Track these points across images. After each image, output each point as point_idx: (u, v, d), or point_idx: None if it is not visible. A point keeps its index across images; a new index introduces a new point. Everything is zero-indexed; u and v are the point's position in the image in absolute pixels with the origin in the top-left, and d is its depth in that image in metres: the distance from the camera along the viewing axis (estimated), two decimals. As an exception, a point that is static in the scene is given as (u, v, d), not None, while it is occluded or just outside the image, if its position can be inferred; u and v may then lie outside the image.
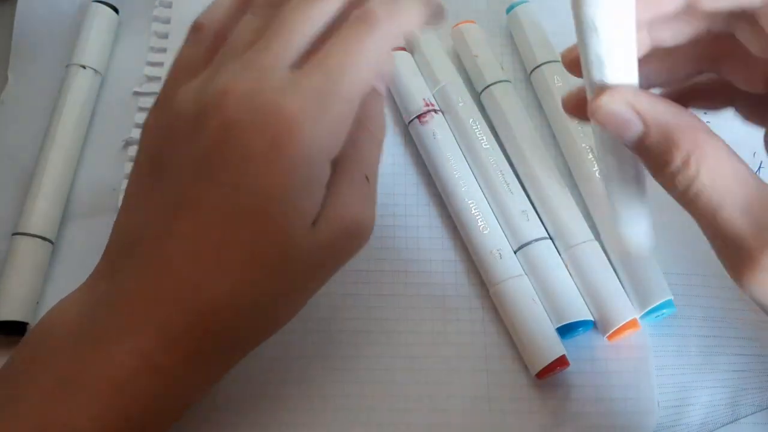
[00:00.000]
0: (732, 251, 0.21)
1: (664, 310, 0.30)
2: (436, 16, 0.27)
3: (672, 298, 0.30)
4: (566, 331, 0.30)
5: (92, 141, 0.36)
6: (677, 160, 0.21)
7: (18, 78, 0.38)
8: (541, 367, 0.29)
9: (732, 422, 0.29)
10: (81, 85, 0.36)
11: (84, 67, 0.36)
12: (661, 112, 0.21)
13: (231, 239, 0.24)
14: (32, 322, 0.32)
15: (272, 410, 0.30)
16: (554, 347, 0.29)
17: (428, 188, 0.35)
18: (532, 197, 0.33)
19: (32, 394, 0.23)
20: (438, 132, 0.34)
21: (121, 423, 0.23)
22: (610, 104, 0.21)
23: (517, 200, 0.32)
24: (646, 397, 0.30)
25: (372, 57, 0.25)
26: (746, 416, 0.29)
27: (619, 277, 0.31)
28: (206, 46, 0.27)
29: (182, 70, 0.27)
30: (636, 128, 0.21)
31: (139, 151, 0.27)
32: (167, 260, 0.24)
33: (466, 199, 0.33)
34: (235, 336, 0.25)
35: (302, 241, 0.24)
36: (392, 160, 0.35)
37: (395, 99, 0.36)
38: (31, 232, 0.33)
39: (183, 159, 0.25)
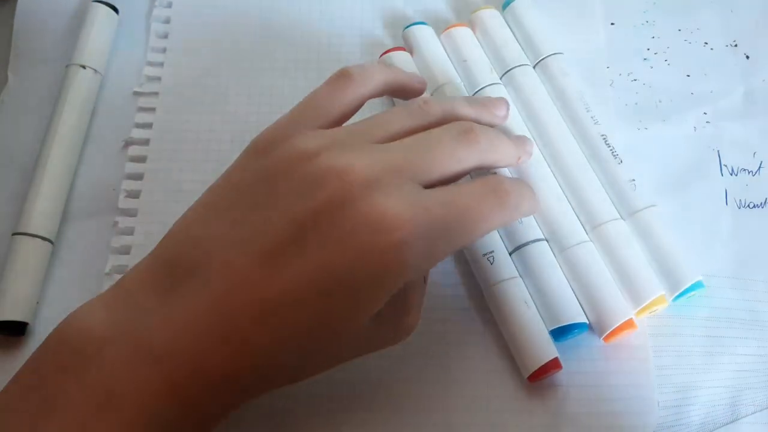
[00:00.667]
0: None
1: (695, 292, 0.30)
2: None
3: (702, 278, 0.30)
4: (560, 334, 0.30)
5: (92, 141, 0.36)
6: None
7: (18, 78, 0.38)
8: (532, 370, 0.29)
9: (732, 422, 0.29)
10: (81, 84, 0.36)
11: (84, 67, 0.36)
12: None
13: (302, 300, 0.23)
14: (32, 322, 0.32)
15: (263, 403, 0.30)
16: (546, 350, 0.29)
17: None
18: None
19: (67, 407, 0.22)
20: None
21: None
22: None
23: None
24: (647, 397, 0.30)
25: (492, 225, 0.27)
26: (746, 416, 0.29)
27: (622, 273, 0.31)
28: (353, 98, 0.28)
29: (311, 110, 0.28)
30: None
31: (237, 165, 0.26)
32: (236, 292, 0.23)
33: None
34: (263, 382, 0.25)
35: (358, 329, 0.25)
36: None
37: (393, 98, 0.36)
38: (31, 232, 0.33)
39: (289, 203, 0.24)
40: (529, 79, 0.35)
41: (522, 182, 0.30)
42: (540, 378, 0.29)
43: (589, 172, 0.33)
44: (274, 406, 0.30)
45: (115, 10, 0.38)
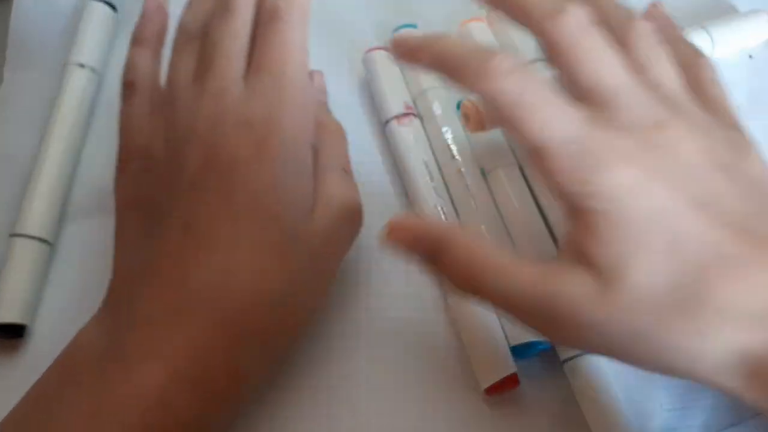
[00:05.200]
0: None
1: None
2: None
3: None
4: (522, 351, 0.29)
5: (91, 141, 0.36)
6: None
7: (15, 77, 0.37)
8: (490, 384, 0.29)
9: (735, 425, 0.29)
10: (79, 84, 0.36)
11: (82, 65, 0.36)
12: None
13: (238, 238, 0.25)
14: (31, 325, 0.32)
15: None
16: (505, 365, 0.29)
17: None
18: (501, 212, 0.32)
19: (65, 415, 0.23)
20: (413, 136, 0.34)
21: None
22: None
23: (480, 215, 0.32)
24: (650, 399, 0.29)
25: (297, 41, 0.29)
26: (750, 419, 0.29)
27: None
28: (146, 99, 0.30)
29: (135, 132, 0.29)
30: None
31: (121, 205, 0.29)
32: (182, 275, 0.25)
33: (434, 206, 0.32)
34: (262, 334, 0.26)
35: (303, 228, 0.27)
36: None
37: (375, 99, 0.36)
38: (29, 234, 0.32)
39: (175, 192, 0.26)
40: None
41: None
42: (497, 392, 0.29)
43: None
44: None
45: (114, 8, 0.38)
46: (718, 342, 0.21)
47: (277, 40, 0.28)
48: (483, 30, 0.37)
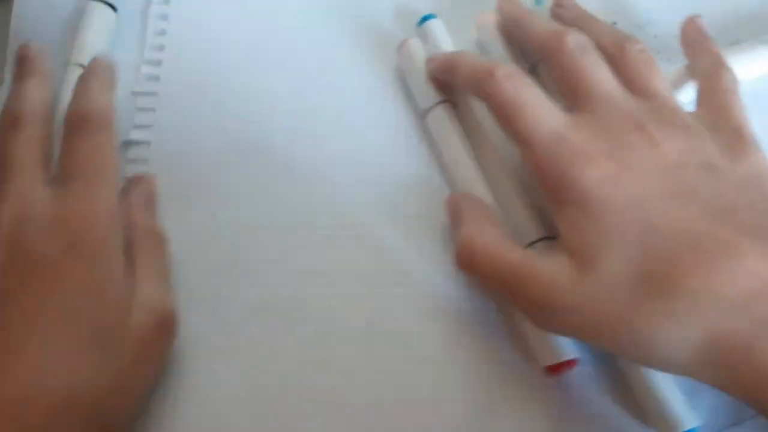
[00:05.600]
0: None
1: None
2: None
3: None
4: None
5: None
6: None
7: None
8: (553, 363, 0.29)
9: (735, 424, 0.29)
10: None
11: (82, 66, 0.36)
12: None
13: (50, 338, 0.25)
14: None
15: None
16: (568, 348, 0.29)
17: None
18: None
19: None
20: (451, 124, 0.34)
21: None
22: None
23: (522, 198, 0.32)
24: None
25: (105, 145, 0.30)
26: (750, 418, 0.29)
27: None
28: None
29: None
30: None
31: None
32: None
33: (478, 192, 0.32)
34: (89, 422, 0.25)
35: (119, 332, 0.27)
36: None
37: (412, 88, 0.36)
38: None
39: None
40: None
41: None
42: (557, 372, 0.29)
43: None
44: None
45: (114, 8, 0.38)
46: (687, 325, 0.22)
47: (84, 145, 0.29)
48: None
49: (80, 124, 0.30)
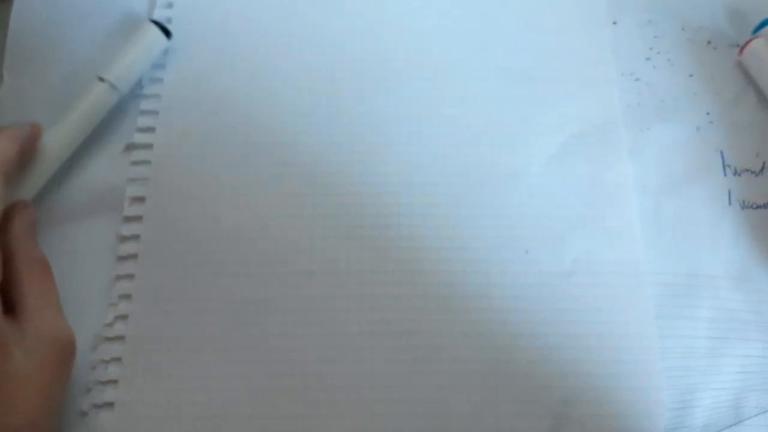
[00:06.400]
0: None
1: None
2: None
3: None
4: None
5: (92, 143, 0.36)
6: None
7: (14, 77, 0.37)
8: None
9: (736, 424, 0.29)
10: (104, 102, 0.35)
11: (110, 82, 0.35)
12: None
13: None
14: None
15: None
16: None
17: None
18: None
19: None
20: None
21: None
22: None
23: None
24: (654, 400, 0.30)
25: None
26: (750, 418, 0.30)
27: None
28: None
29: None
30: None
31: None
32: None
33: None
34: None
35: (18, 366, 0.27)
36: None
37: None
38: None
39: None
40: None
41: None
42: None
43: None
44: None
45: (168, 34, 0.37)
46: None
47: None
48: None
49: None
